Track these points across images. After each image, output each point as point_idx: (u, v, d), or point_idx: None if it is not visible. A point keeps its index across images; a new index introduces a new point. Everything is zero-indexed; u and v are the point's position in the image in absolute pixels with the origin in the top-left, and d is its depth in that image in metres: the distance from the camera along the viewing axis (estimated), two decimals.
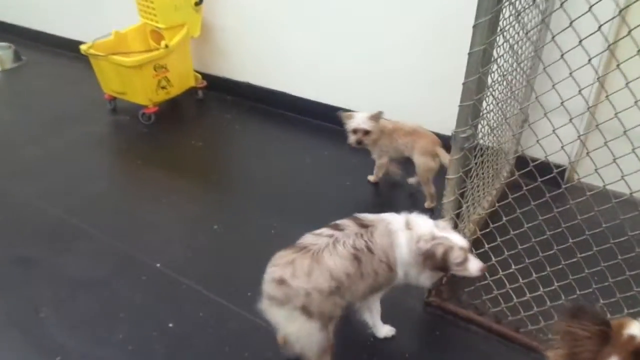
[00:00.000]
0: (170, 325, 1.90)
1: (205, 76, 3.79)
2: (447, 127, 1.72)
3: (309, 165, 2.99)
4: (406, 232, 1.59)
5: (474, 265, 1.59)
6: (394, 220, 1.63)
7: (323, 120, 3.42)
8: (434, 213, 2.32)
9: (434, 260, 1.55)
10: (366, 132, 2.46)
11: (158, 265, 2.18)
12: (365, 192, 2.75)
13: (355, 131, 2.47)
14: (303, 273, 1.46)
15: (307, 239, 1.57)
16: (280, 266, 1.48)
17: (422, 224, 1.61)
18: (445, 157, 2.33)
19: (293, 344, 1.57)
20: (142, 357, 1.78)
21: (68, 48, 4.63)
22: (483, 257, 1.69)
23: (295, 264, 1.48)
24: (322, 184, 2.80)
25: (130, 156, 3.10)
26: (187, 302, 2.00)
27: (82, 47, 3.31)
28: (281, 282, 1.45)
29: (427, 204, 2.56)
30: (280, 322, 1.53)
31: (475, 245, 1.86)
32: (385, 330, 1.83)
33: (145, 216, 2.54)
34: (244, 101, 3.75)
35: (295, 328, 1.50)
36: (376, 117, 2.46)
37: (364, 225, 1.60)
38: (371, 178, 2.78)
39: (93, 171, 2.93)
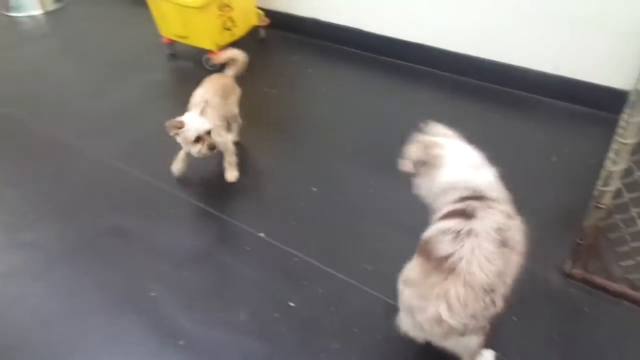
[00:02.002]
0: (292, 304, 1.77)
1: (266, 13, 3.45)
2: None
3: (396, 111, 2.73)
4: None
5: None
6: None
7: (405, 59, 3.12)
8: None
9: None
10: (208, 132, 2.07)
11: (262, 234, 2.03)
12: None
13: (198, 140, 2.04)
14: (459, 305, 1.21)
15: (442, 244, 1.27)
16: (433, 301, 1.23)
17: None
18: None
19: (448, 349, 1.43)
20: (272, 343, 1.66)
21: None
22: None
23: (449, 295, 1.21)
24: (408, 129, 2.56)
25: None
26: (302, 278, 1.86)
27: None
28: (440, 321, 1.23)
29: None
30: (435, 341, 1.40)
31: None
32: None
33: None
34: (310, 40, 3.44)
35: (452, 344, 1.38)
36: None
37: (483, 198, 1.32)
38: None
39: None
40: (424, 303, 1.26)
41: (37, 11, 4.03)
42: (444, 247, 1.26)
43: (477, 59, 2.87)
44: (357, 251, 1.96)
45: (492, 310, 1.25)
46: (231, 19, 3.08)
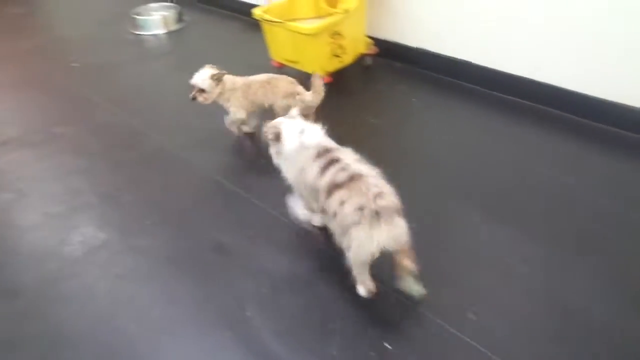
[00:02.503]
0: (388, 346, 1.70)
1: (375, 41, 3.47)
2: None
3: (508, 152, 2.60)
4: None
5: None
6: None
7: (520, 97, 2.98)
8: None
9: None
10: (201, 90, 2.60)
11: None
12: (595, 194, 2.30)
13: (192, 87, 2.62)
14: (382, 183, 1.69)
15: (331, 174, 1.74)
16: (377, 188, 1.64)
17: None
18: (306, 94, 2.54)
19: (393, 247, 1.64)
20: None
21: (230, 8, 4.56)
22: None
23: (368, 181, 1.66)
24: (530, 178, 2.41)
25: None
26: (401, 319, 1.79)
27: (256, 12, 3.14)
28: (387, 194, 1.63)
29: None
30: (390, 233, 1.60)
31: None
32: None
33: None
34: (416, 69, 3.40)
35: (401, 229, 1.64)
36: (217, 77, 2.60)
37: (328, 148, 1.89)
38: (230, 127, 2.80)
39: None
40: (374, 193, 1.61)
41: (160, 30, 4.36)
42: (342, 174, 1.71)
43: (605, 102, 2.67)
44: (459, 297, 1.85)
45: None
46: (341, 47, 3.12)
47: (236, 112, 2.70)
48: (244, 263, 2.06)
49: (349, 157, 1.79)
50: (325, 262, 2.04)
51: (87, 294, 1.97)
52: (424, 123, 2.94)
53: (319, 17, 3.38)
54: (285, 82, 2.57)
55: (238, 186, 2.47)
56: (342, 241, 1.71)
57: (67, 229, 2.29)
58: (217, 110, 2.80)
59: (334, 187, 1.69)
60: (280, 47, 3.19)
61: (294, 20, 3.29)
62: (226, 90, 2.64)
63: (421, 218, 2.18)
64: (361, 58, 3.41)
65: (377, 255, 1.62)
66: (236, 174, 2.60)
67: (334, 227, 1.75)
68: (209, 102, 2.67)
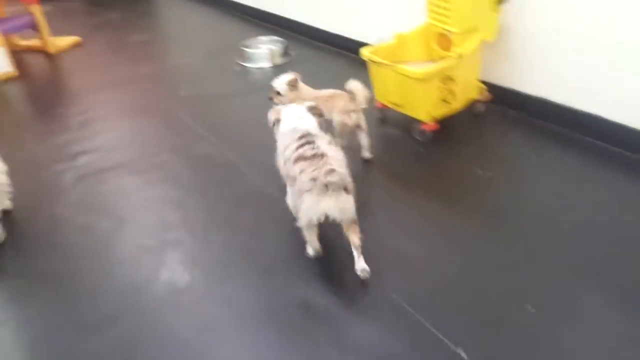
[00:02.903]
0: None
1: (488, 87, 3.20)
2: None
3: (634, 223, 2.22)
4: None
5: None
6: None
7: None
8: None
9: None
10: (277, 93, 2.78)
11: (460, 351, 1.73)
12: None
13: (271, 89, 2.80)
14: (339, 165, 1.94)
15: (308, 150, 2.01)
16: (326, 164, 1.91)
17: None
18: (361, 118, 2.71)
19: (338, 217, 1.95)
20: None
21: (337, 45, 4.52)
22: None
23: (327, 160, 1.94)
24: None
25: (405, 181, 2.71)
26: None
27: (364, 52, 3.02)
28: (333, 171, 1.88)
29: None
30: (335, 204, 1.90)
31: None
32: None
33: (432, 267, 2.12)
34: (533, 120, 3.09)
35: (345, 204, 1.92)
36: (293, 83, 2.77)
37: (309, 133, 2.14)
38: None
39: (369, 195, 2.63)
40: (319, 170, 1.90)
41: (267, 64, 4.41)
42: (303, 150, 2.00)
43: None
44: None
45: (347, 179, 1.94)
46: (451, 92, 2.90)
47: None
48: (330, 329, 1.88)
49: (323, 142, 2.05)
50: (421, 339, 1.80)
51: (164, 340, 1.89)
52: (541, 181, 2.61)
53: (430, 60, 3.20)
54: (344, 100, 2.67)
55: (337, 242, 2.31)
56: (297, 205, 2.03)
57: (156, 265, 2.26)
58: None
59: (299, 158, 1.99)
60: (386, 89, 3.04)
61: (403, 62, 3.13)
62: (298, 98, 2.71)
63: (539, 298, 1.89)
64: (472, 104, 3.16)
65: (321, 219, 1.94)
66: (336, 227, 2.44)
67: (293, 192, 2.10)
68: (284, 104, 2.63)
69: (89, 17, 6.50)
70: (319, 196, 1.88)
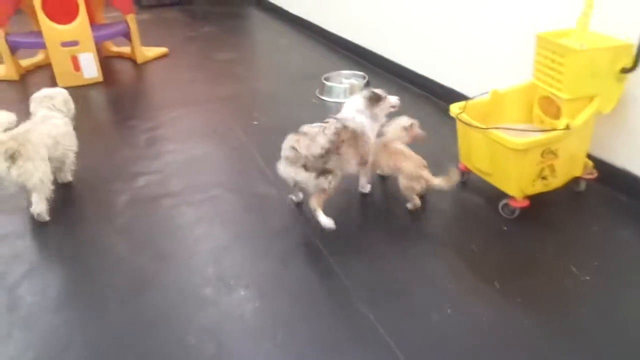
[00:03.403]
0: None
1: (596, 164, 2.73)
2: None
3: None
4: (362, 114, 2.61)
5: (393, 98, 2.75)
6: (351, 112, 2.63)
7: None
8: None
9: (372, 96, 2.65)
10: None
11: None
12: None
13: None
14: (305, 146, 2.36)
15: (305, 128, 2.47)
16: (292, 141, 2.37)
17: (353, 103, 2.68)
18: (433, 180, 2.57)
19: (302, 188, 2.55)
20: None
21: (424, 87, 4.19)
22: None
23: (300, 141, 2.37)
24: None
25: (479, 265, 2.31)
26: None
27: (453, 110, 2.66)
28: (293, 148, 2.36)
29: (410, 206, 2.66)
30: (292, 174, 2.43)
31: None
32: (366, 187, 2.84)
33: None
34: None
35: (301, 177, 2.41)
36: (406, 127, 2.73)
37: (337, 119, 2.55)
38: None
39: (434, 273, 2.26)
40: (287, 142, 2.43)
41: (346, 99, 4.15)
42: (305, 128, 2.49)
43: None
44: None
45: (329, 163, 2.41)
46: (551, 168, 2.47)
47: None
48: None
49: (327, 128, 2.47)
50: None
51: None
52: None
53: (528, 124, 2.78)
54: (414, 163, 2.60)
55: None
56: None
57: (187, 323, 2.02)
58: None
59: (299, 132, 2.45)
60: (474, 153, 2.66)
61: (495, 123, 2.74)
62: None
63: None
64: (573, 181, 2.69)
65: (290, 183, 2.50)
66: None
67: None
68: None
69: (183, 29, 6.63)
70: (281, 163, 2.47)
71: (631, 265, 2.26)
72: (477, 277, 2.23)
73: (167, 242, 2.54)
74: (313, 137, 2.40)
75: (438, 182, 2.55)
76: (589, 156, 2.71)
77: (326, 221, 2.47)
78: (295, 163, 2.37)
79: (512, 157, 2.39)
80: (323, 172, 2.41)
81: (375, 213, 2.76)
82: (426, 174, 2.58)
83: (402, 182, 2.62)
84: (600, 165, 2.73)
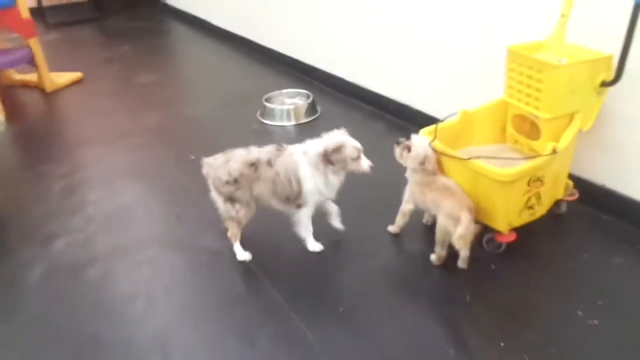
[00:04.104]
0: None
1: (577, 183, 2.53)
2: None
3: None
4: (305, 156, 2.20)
5: (365, 163, 2.21)
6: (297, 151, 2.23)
7: None
8: None
9: (328, 153, 2.14)
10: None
11: None
12: None
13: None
14: (214, 169, 2.22)
15: (239, 150, 2.27)
16: (210, 159, 2.26)
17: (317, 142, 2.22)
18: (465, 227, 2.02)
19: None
20: None
21: (376, 105, 3.89)
22: None
23: (215, 161, 2.24)
24: None
25: (483, 320, 2.00)
26: None
27: (422, 133, 2.35)
28: (205, 164, 2.26)
29: (432, 258, 2.25)
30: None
31: None
32: (314, 246, 2.37)
33: None
34: (635, 230, 2.39)
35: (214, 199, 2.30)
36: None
37: (278, 150, 2.25)
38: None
39: (414, 326, 1.93)
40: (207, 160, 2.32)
41: (289, 122, 3.78)
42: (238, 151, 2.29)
43: None
44: None
45: (238, 192, 2.20)
46: (537, 195, 2.23)
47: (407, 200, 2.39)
48: None
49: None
50: None
51: None
52: None
53: (503, 144, 2.55)
54: (456, 202, 2.11)
55: None
56: None
57: None
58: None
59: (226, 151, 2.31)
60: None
61: (466, 146, 2.48)
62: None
63: None
64: (554, 204, 2.47)
65: None
66: None
67: None
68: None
69: (97, 49, 5.96)
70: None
71: (635, 301, 2.04)
72: (479, 337, 1.91)
73: (96, 327, 2.04)
74: (227, 161, 2.20)
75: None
76: (573, 177, 2.51)
77: (241, 254, 2.33)
78: (208, 180, 2.27)
79: (498, 189, 2.11)
80: (230, 199, 2.22)
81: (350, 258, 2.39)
82: (465, 217, 2.05)
83: (441, 220, 2.15)
84: (579, 183, 2.53)
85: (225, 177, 2.18)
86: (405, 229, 2.44)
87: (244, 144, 3.52)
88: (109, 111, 4.18)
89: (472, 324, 1.97)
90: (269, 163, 2.20)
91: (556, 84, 2.13)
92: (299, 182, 2.20)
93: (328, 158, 2.16)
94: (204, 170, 2.26)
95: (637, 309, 2.00)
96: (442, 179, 2.23)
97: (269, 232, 2.53)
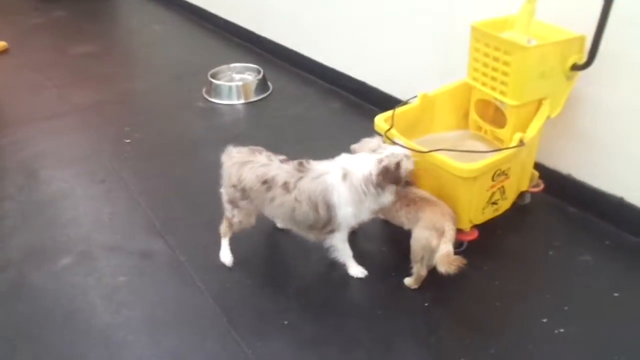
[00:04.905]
0: None
1: (542, 173, 2.36)
2: None
3: None
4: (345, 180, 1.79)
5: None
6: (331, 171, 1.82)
7: None
8: None
9: (390, 173, 1.76)
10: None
11: None
12: None
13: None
14: (230, 162, 1.92)
15: (262, 157, 1.90)
16: (234, 151, 1.97)
17: (361, 162, 1.82)
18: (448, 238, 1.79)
19: None
20: None
21: (331, 80, 3.61)
22: None
23: (235, 156, 1.93)
24: None
25: (447, 338, 1.82)
26: None
27: (379, 124, 2.11)
28: (226, 153, 1.97)
29: (408, 282, 1.96)
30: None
31: None
32: (356, 270, 2.01)
33: None
34: (604, 225, 2.24)
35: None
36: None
37: (300, 170, 1.84)
38: None
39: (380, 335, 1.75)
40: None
41: (238, 101, 3.48)
42: (261, 157, 1.94)
43: None
44: None
45: (242, 201, 1.93)
46: (502, 190, 2.04)
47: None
48: None
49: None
50: None
51: None
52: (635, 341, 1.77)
53: (465, 130, 2.35)
54: (437, 211, 1.86)
55: None
56: None
57: None
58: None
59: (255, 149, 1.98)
60: (416, 176, 2.12)
61: (426, 133, 2.27)
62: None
63: None
64: (519, 195, 2.30)
65: None
66: None
67: None
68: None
69: (27, 16, 5.36)
70: None
71: (602, 303, 1.90)
72: (438, 352, 1.74)
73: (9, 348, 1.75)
74: (244, 164, 1.90)
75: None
76: (538, 166, 2.34)
77: (224, 254, 2.09)
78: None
79: (459, 185, 1.91)
80: (232, 202, 1.96)
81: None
82: (448, 235, 1.81)
83: (418, 234, 1.87)
84: (544, 172, 2.36)
85: (234, 181, 1.90)
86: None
87: (189, 126, 3.25)
88: (37, 86, 3.75)
89: (429, 335, 1.79)
90: (285, 187, 1.82)
91: (525, 67, 1.92)
92: (330, 208, 1.81)
93: (388, 178, 1.79)
94: (223, 157, 1.96)
95: (604, 313, 1.86)
96: (414, 191, 1.99)
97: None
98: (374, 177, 1.78)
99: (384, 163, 1.78)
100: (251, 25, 4.26)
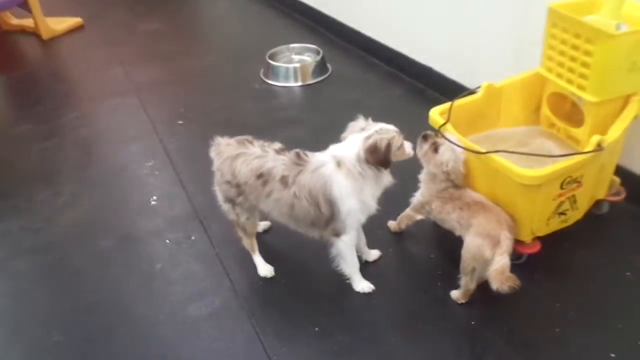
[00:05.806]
0: None
1: (625, 178, 2.05)
2: None
3: None
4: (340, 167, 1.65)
5: (408, 147, 1.70)
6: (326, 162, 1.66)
7: None
8: None
9: (378, 152, 1.61)
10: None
11: None
12: None
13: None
14: (220, 156, 1.77)
15: (255, 148, 1.74)
16: (223, 143, 1.80)
17: (350, 144, 1.67)
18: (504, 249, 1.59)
19: None
20: None
21: (396, 64, 3.38)
22: None
23: (224, 149, 1.77)
24: None
25: (473, 346, 1.63)
26: None
27: (434, 117, 1.90)
28: (215, 146, 1.81)
29: (455, 295, 1.76)
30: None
31: None
32: (362, 286, 1.83)
33: None
34: None
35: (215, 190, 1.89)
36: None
37: (298, 163, 1.68)
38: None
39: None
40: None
41: (295, 83, 3.34)
42: (253, 148, 1.77)
43: None
44: None
45: (237, 196, 1.77)
46: (572, 199, 1.77)
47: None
48: None
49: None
50: None
51: None
52: None
53: (536, 126, 2.08)
54: (492, 218, 1.66)
55: None
56: None
57: None
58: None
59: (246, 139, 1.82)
60: (472, 177, 1.90)
61: (492, 129, 2.03)
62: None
63: None
64: (595, 204, 2.01)
65: None
66: None
67: None
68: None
69: None
70: None
71: None
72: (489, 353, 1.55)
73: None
74: (236, 157, 1.74)
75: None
76: (621, 171, 2.03)
77: (261, 268, 1.94)
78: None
79: (522, 192, 1.67)
80: (230, 200, 1.83)
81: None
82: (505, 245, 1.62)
83: (470, 241, 1.69)
84: (627, 178, 2.05)
85: (227, 176, 1.75)
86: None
87: (242, 109, 3.17)
88: (105, 64, 3.82)
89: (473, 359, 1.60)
90: (284, 181, 1.67)
91: (611, 58, 1.63)
92: (332, 204, 1.66)
93: (376, 158, 1.63)
94: (212, 152, 1.81)
95: None
96: (469, 193, 1.79)
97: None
98: (362, 154, 1.62)
99: (371, 140, 1.62)
100: (316, 2, 4.09)
